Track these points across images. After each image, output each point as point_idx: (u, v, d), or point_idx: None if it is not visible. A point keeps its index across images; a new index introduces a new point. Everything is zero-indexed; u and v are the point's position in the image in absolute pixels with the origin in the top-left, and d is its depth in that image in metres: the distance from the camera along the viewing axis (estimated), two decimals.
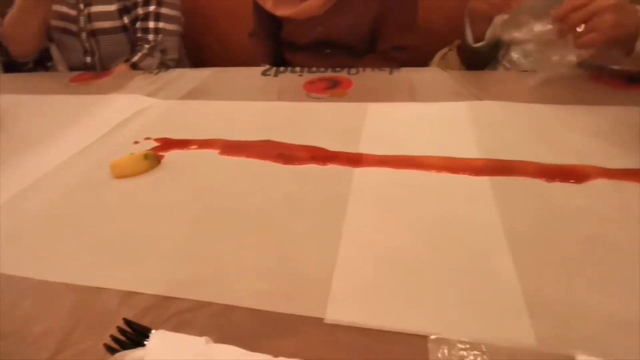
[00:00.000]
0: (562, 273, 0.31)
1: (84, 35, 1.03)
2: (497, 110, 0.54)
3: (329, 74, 0.70)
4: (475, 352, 0.26)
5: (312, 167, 0.46)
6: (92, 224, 0.40)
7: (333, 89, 0.64)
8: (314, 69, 0.73)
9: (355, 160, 0.46)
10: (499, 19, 0.62)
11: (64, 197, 0.45)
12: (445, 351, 0.26)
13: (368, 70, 0.71)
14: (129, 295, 0.32)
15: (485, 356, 0.26)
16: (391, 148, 0.47)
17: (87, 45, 1.04)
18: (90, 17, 1.01)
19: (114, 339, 0.26)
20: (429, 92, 0.61)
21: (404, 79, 0.66)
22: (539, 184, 0.40)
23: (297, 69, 0.74)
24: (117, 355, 0.25)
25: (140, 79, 0.76)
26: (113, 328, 0.28)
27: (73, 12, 1.02)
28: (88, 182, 0.47)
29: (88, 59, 1.06)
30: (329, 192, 0.41)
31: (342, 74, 0.69)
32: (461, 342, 0.26)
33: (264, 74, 0.74)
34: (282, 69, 0.75)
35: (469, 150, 0.46)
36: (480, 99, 0.56)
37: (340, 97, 0.62)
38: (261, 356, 0.25)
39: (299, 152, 0.48)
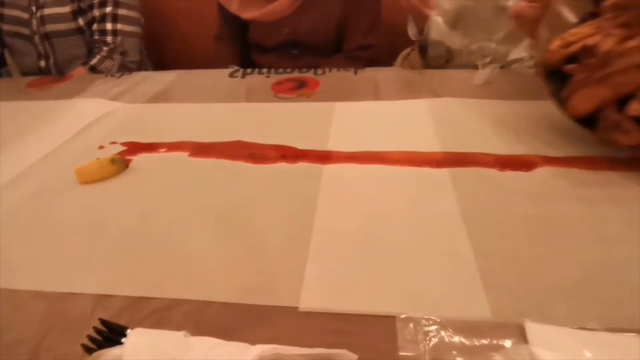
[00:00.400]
0: (512, 251, 0.34)
1: (37, 38, 1.00)
2: (455, 106, 0.58)
3: (296, 74, 0.72)
4: (438, 326, 0.28)
5: (283, 166, 0.47)
6: (59, 230, 0.40)
7: (301, 90, 0.66)
8: (281, 70, 0.75)
9: (324, 157, 0.48)
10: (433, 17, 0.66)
11: (28, 205, 0.44)
12: (412, 328, 0.28)
13: (334, 71, 0.73)
14: (102, 298, 0.33)
15: (447, 329, 0.28)
16: (358, 145, 0.50)
17: (40, 49, 1.01)
18: (43, 20, 0.98)
19: (91, 339, 0.27)
20: (391, 91, 0.64)
21: (369, 79, 0.69)
22: (493, 173, 0.44)
23: (265, 70, 0.76)
24: (95, 354, 0.26)
25: (101, 83, 0.75)
26: (88, 331, 0.28)
27: (25, 16, 0.99)
28: (53, 188, 0.46)
29: (42, 63, 1.03)
30: (300, 188, 0.43)
31: (309, 75, 0.72)
32: (426, 319, 0.29)
33: (231, 75, 0.75)
34: (249, 70, 0.76)
35: (429, 144, 0.49)
36: (439, 96, 0.60)
37: (308, 97, 0.64)
38: (238, 344, 0.26)
39: (269, 151, 0.50)
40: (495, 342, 0.27)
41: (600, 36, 0.40)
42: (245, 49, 0.96)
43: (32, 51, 1.02)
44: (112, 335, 0.27)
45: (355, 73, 0.72)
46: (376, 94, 0.64)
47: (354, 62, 0.85)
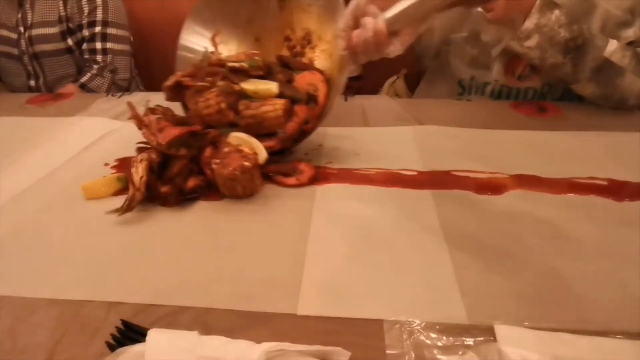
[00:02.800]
0: (485, 263, 0.40)
1: (26, 58, 1.02)
2: (437, 134, 0.65)
3: None
4: (421, 328, 0.33)
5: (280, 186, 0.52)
6: (70, 241, 0.44)
7: None
8: None
9: (318, 178, 0.53)
10: None
11: (38, 217, 0.48)
12: (397, 329, 0.33)
13: None
14: (114, 305, 0.36)
15: (428, 330, 0.33)
16: (348, 167, 0.55)
17: (30, 68, 1.04)
18: (31, 40, 1.00)
19: (113, 337, 0.30)
20: (379, 118, 0.71)
21: (357, 106, 0.76)
22: (470, 195, 0.50)
23: None
24: (118, 350, 0.29)
25: (103, 102, 0.79)
26: (103, 334, 0.32)
27: (14, 36, 1.01)
28: (61, 202, 0.50)
29: (32, 82, 1.05)
30: (296, 206, 0.49)
31: None
32: (410, 322, 0.34)
33: None
34: None
35: (414, 167, 0.55)
36: (423, 123, 0.67)
37: None
38: (246, 342, 0.30)
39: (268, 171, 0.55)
40: (469, 341, 0.32)
41: None
42: None
43: (21, 71, 1.05)
44: (133, 334, 0.30)
45: (346, 100, 0.78)
46: (364, 120, 0.70)
47: (345, 90, 0.92)
